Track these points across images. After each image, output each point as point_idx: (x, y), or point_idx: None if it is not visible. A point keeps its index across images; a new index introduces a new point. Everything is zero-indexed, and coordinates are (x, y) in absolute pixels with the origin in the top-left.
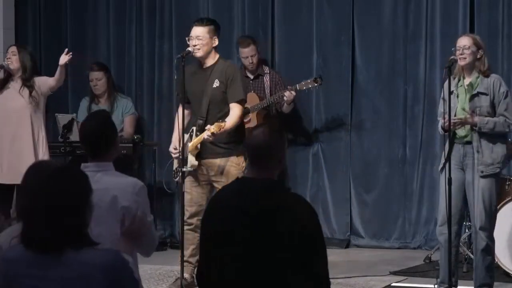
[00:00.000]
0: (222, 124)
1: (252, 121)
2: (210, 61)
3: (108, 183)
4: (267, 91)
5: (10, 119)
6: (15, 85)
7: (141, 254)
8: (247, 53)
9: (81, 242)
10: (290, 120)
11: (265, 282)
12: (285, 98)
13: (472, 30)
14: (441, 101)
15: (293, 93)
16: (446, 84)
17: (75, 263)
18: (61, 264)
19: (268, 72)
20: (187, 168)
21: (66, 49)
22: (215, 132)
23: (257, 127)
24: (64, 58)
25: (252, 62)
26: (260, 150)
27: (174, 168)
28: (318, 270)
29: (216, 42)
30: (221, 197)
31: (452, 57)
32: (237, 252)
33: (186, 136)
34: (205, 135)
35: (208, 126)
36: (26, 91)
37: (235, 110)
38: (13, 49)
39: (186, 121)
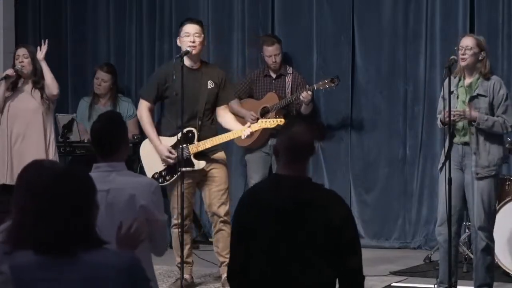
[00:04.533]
0: (281, 119)
1: None
2: (198, 62)
3: (123, 183)
4: (288, 91)
5: (21, 120)
6: (27, 87)
7: (155, 254)
8: (271, 52)
9: (90, 243)
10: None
11: (299, 277)
12: (301, 98)
13: (472, 30)
14: (441, 100)
15: (310, 93)
16: (446, 82)
17: (89, 264)
18: (74, 266)
19: (291, 72)
20: (189, 168)
21: (44, 40)
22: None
23: (292, 126)
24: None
25: (275, 61)
26: (300, 149)
27: (153, 174)
28: (350, 264)
29: (205, 42)
30: (255, 193)
31: (452, 56)
32: (272, 248)
33: (174, 139)
34: (250, 131)
35: (250, 124)
36: (37, 93)
37: (228, 111)
38: (24, 51)
39: (151, 121)
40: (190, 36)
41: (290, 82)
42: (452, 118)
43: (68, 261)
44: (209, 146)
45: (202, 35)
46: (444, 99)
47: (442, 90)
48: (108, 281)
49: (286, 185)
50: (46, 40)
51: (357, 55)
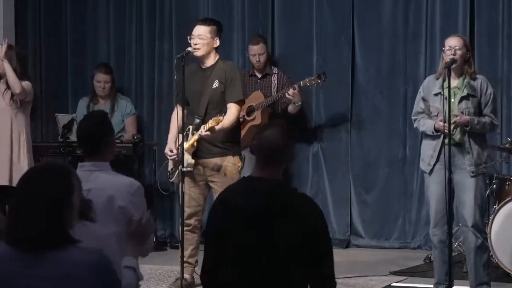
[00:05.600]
0: (220, 118)
1: (256, 119)
2: (210, 62)
3: (104, 183)
4: (274, 90)
5: None
6: (0, 87)
7: (139, 255)
8: (255, 51)
9: (63, 241)
10: (290, 120)
11: (270, 281)
12: (287, 95)
13: (472, 30)
14: (420, 101)
15: (296, 90)
16: (425, 83)
17: (62, 261)
18: (48, 263)
19: (276, 72)
20: (185, 167)
21: (4, 39)
22: (212, 126)
23: (267, 127)
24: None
25: (258, 61)
26: (273, 151)
27: (169, 169)
28: (322, 270)
29: (217, 43)
30: (227, 196)
31: (451, 57)
32: (243, 251)
33: (180, 137)
34: (202, 131)
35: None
36: (8, 94)
37: (232, 110)
38: None
39: (174, 121)
40: (194, 38)
41: (276, 82)
42: (445, 131)
43: (40, 257)
44: (191, 144)
45: (208, 36)
46: (424, 100)
47: (422, 91)
48: (80, 278)
49: (259, 188)
50: (6, 39)
51: (357, 55)
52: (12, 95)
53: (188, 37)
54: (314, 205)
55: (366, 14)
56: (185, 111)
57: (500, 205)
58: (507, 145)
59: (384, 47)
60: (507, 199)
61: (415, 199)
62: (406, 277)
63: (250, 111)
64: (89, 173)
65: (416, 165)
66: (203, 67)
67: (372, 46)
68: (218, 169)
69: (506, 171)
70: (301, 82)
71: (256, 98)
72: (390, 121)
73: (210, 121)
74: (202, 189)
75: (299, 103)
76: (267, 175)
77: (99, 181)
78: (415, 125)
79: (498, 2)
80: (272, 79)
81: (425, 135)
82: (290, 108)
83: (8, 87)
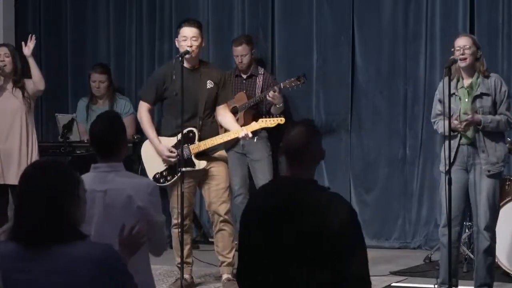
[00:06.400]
0: (282, 118)
1: (240, 120)
2: (196, 62)
3: (121, 184)
4: (258, 91)
5: (4, 120)
6: (8, 86)
7: (153, 254)
8: (238, 52)
9: (69, 236)
10: (290, 120)
11: (272, 282)
12: (268, 97)
13: (472, 30)
14: (437, 103)
15: (277, 92)
16: (440, 85)
17: (65, 256)
18: (50, 258)
19: (262, 73)
20: (190, 168)
21: (30, 35)
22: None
23: (293, 127)
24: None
25: (241, 62)
26: (297, 150)
27: (155, 174)
28: (349, 273)
29: (203, 44)
30: (253, 196)
31: (452, 57)
32: (268, 251)
33: (174, 139)
34: (248, 133)
35: (254, 124)
36: (19, 92)
37: (227, 109)
38: (5, 50)
39: (150, 122)
40: (187, 40)
41: (261, 83)
42: (459, 129)
43: (44, 252)
44: (210, 146)
45: (200, 38)
46: (440, 102)
47: (438, 94)
48: (82, 273)
49: (278, 188)
50: (33, 36)
51: (357, 55)
52: (23, 93)
53: (176, 40)
54: (341, 205)
55: (366, 14)
56: (149, 114)
57: (500, 205)
58: (507, 145)
59: (384, 47)
60: (507, 199)
61: (415, 199)
62: (406, 277)
63: (233, 112)
64: (104, 174)
65: (416, 165)
66: (190, 68)
67: (372, 46)
68: (214, 165)
69: (506, 171)
70: (281, 84)
71: (239, 99)
72: (390, 121)
73: (264, 122)
74: (195, 188)
75: (281, 105)
76: (295, 174)
77: (116, 182)
78: (434, 127)
79: (498, 2)
80: (257, 80)
81: (445, 137)
82: (273, 109)
83: (14, 85)
